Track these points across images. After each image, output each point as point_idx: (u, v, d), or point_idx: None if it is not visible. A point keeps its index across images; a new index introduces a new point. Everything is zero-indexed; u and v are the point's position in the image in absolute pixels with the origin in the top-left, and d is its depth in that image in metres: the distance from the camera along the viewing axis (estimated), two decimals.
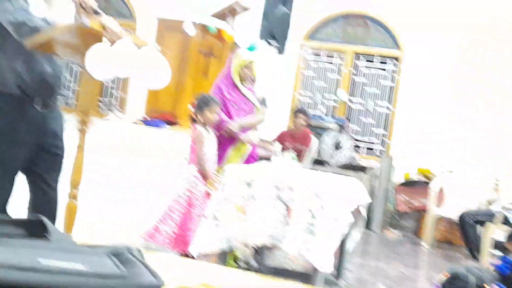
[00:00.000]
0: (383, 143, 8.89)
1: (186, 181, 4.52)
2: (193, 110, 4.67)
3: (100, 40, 2.50)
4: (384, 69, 8.92)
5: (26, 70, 2.70)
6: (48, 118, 2.83)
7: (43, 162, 2.86)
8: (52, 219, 2.76)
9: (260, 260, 4.61)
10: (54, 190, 2.91)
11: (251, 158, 5.07)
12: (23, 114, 2.75)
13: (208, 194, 4.53)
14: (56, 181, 2.89)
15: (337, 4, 8.95)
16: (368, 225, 7.73)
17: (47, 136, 2.81)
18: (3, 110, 2.74)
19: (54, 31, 2.49)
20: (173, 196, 4.54)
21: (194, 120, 4.71)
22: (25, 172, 2.89)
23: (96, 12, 2.76)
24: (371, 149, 8.92)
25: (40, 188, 2.91)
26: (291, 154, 4.59)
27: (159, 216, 4.50)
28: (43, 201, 2.90)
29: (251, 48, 6.93)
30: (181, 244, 4.36)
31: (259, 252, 4.62)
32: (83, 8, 2.74)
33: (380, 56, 8.92)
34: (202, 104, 4.62)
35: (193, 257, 3.82)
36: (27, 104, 2.75)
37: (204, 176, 4.54)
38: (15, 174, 2.85)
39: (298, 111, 7.10)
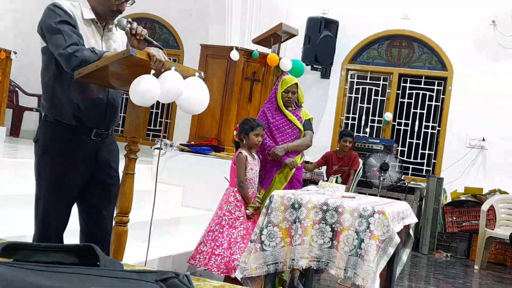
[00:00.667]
0: (429, 163, 8.77)
1: (228, 203, 4.56)
2: (237, 134, 4.71)
3: (147, 70, 2.56)
4: (430, 90, 8.83)
5: (81, 100, 2.77)
6: (102, 147, 2.87)
7: (95, 191, 2.88)
8: (105, 247, 2.78)
9: (306, 283, 4.59)
10: (106, 219, 2.90)
11: (296, 182, 5.07)
12: (78, 143, 2.80)
13: (249, 217, 4.55)
14: (108, 210, 2.89)
15: (381, 25, 8.94)
16: (416, 247, 7.61)
17: (100, 165, 2.84)
18: (60, 139, 2.80)
19: (101, 62, 2.56)
20: (215, 218, 4.58)
21: (238, 145, 4.75)
22: (78, 201, 2.93)
23: (147, 41, 2.84)
24: (418, 169, 8.81)
25: (91, 217, 2.95)
26: (337, 177, 4.57)
27: (201, 238, 4.54)
28: (94, 231, 2.93)
29: (295, 72, 6.97)
30: (223, 266, 4.39)
31: (305, 275, 4.60)
32: (135, 36, 2.82)
33: (426, 76, 8.85)
34: (247, 127, 4.66)
35: (238, 281, 3.83)
36: (82, 134, 2.80)
37: (245, 199, 4.57)
38: (72, 203, 2.90)
39: (344, 134, 7.07)
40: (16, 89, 9.80)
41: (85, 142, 2.81)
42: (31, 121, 10.14)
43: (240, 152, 4.65)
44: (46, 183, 2.81)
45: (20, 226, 4.00)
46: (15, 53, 8.00)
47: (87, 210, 2.94)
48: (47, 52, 2.74)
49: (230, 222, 4.49)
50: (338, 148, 7.24)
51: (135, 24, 2.82)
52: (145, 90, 2.53)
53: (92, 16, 2.79)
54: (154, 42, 2.83)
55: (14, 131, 9.59)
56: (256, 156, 4.78)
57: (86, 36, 2.76)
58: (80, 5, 2.80)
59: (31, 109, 9.90)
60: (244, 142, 4.66)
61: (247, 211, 4.55)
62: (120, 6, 2.79)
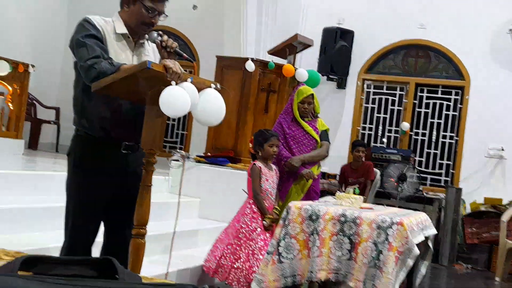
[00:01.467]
0: (448, 173, 8.70)
1: (244, 215, 4.54)
2: (252, 147, 4.71)
3: (164, 82, 2.57)
4: (447, 99, 8.77)
5: (109, 112, 2.80)
6: (130, 159, 2.88)
7: (123, 203, 2.88)
8: (126, 260, 2.78)
9: None
10: (128, 232, 2.91)
11: (314, 193, 5.06)
12: (108, 157, 2.83)
13: (266, 229, 4.52)
14: (131, 223, 2.90)
15: (397, 35, 8.91)
16: (436, 258, 7.54)
17: (129, 178, 2.85)
18: (89, 153, 2.84)
19: (117, 74, 2.58)
20: (233, 231, 4.56)
21: (255, 157, 4.75)
22: (105, 212, 2.94)
23: (178, 54, 2.85)
24: (436, 180, 8.74)
25: (116, 229, 2.97)
26: (354, 188, 4.55)
27: (220, 251, 4.53)
28: (118, 242, 2.94)
29: (311, 83, 6.96)
30: (243, 280, 4.37)
31: (323, 287, 4.57)
32: (165, 49, 2.84)
33: (443, 86, 8.80)
34: (261, 139, 4.66)
35: None
36: (112, 147, 2.83)
37: (261, 210, 4.55)
38: (100, 216, 2.92)
39: (357, 144, 7.04)
40: (34, 102, 9.88)
41: (114, 155, 2.83)
42: (49, 134, 10.22)
43: (254, 164, 4.64)
44: (75, 196, 2.85)
45: (41, 239, 4.03)
46: (33, 66, 8.08)
47: (112, 222, 2.97)
48: (77, 67, 2.78)
49: (247, 234, 4.47)
50: (353, 161, 7.21)
51: (165, 37, 2.85)
52: (176, 100, 2.54)
53: (125, 30, 2.84)
54: (184, 54, 2.88)
55: (32, 143, 9.66)
56: (273, 167, 4.77)
57: (116, 51, 2.80)
58: (113, 20, 2.85)
59: (49, 122, 9.98)
60: (260, 153, 4.66)
61: (264, 222, 4.53)
62: (153, 19, 2.83)
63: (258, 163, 4.62)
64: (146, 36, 2.89)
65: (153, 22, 2.84)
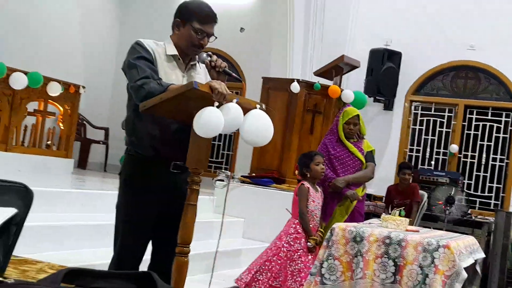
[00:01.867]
0: (498, 197, 8.49)
1: (288, 235, 4.52)
2: (298, 172, 4.70)
3: (210, 102, 2.61)
4: (497, 121, 8.60)
5: (158, 132, 2.86)
6: (179, 178, 2.91)
7: (170, 222, 2.90)
8: (169, 277, 2.81)
9: None
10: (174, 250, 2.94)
11: (358, 214, 5.01)
12: (157, 176, 2.88)
13: (309, 250, 4.49)
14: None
15: (445, 56, 8.80)
16: (484, 284, 7.33)
17: (178, 198, 2.86)
18: (139, 172, 2.90)
19: (165, 94, 2.63)
20: (273, 248, 4.54)
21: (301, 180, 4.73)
22: (153, 230, 2.99)
23: (227, 74, 2.91)
24: (486, 203, 8.54)
25: (162, 246, 3.00)
26: (400, 210, 4.48)
27: (257, 266, 4.51)
28: (163, 259, 2.96)
29: (357, 104, 6.94)
30: None
31: None
32: (214, 68, 2.89)
33: (493, 107, 8.63)
34: (307, 159, 4.65)
35: None
36: (161, 166, 2.88)
37: (306, 231, 4.52)
38: (149, 234, 2.97)
39: (403, 167, 6.94)
40: (84, 122, 10.12)
41: (163, 174, 2.89)
42: (97, 154, 10.43)
43: (303, 184, 4.63)
44: (124, 214, 2.92)
45: (89, 256, 4.10)
46: (84, 87, 8.29)
47: (158, 240, 3.01)
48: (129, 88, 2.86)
49: (288, 254, 4.45)
50: (398, 182, 7.13)
51: (214, 57, 2.92)
52: (208, 121, 2.57)
53: (175, 52, 2.91)
54: (233, 74, 2.94)
55: (82, 163, 9.87)
56: (319, 189, 4.75)
57: (166, 72, 2.88)
58: (165, 43, 2.94)
59: (98, 142, 10.20)
60: (308, 175, 4.64)
61: (308, 243, 4.50)
62: (202, 41, 2.90)
63: (306, 184, 4.62)
64: (197, 57, 2.94)
65: (202, 44, 2.90)
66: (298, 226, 4.53)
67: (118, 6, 11.31)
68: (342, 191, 4.89)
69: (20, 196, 1.33)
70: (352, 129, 5.04)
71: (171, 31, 2.98)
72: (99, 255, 4.02)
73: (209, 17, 2.90)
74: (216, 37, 2.95)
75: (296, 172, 4.81)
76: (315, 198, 4.62)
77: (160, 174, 2.89)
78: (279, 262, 4.46)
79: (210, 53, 2.94)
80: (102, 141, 10.28)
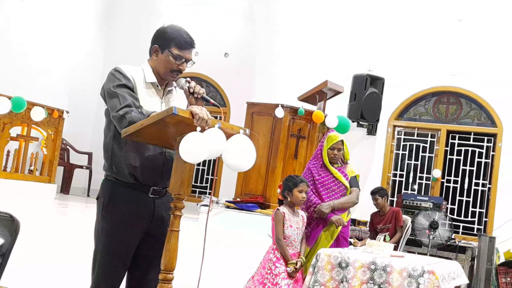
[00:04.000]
0: (480, 221, 8.53)
1: (268, 261, 4.48)
2: (281, 192, 4.66)
3: (191, 127, 2.60)
4: (479, 146, 8.68)
5: (138, 158, 2.84)
6: (160, 205, 2.90)
7: (149, 247, 2.90)
8: None
9: None
10: (153, 277, 2.90)
11: (343, 240, 5.00)
12: (136, 201, 2.86)
13: (291, 276, 4.44)
14: (155, 267, 2.90)
15: (427, 82, 8.90)
16: None
17: (157, 223, 2.87)
18: (118, 197, 2.87)
19: (146, 121, 2.63)
20: (259, 278, 4.49)
21: (282, 203, 4.69)
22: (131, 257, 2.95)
23: (205, 100, 2.90)
24: (469, 228, 8.58)
25: (140, 272, 2.96)
26: (385, 235, 4.49)
27: None
28: (142, 286, 2.95)
29: (341, 129, 6.97)
30: None
31: None
32: (192, 94, 2.89)
33: (475, 133, 8.72)
34: (291, 184, 4.61)
35: None
36: (140, 191, 2.87)
37: (284, 256, 4.46)
38: (128, 260, 2.92)
39: (371, 193, 6.88)
40: (68, 147, 10.06)
41: (142, 199, 2.87)
42: (81, 179, 10.36)
43: (278, 209, 4.58)
44: (103, 239, 2.87)
45: (72, 282, 4.05)
46: (68, 112, 8.25)
47: (137, 265, 2.96)
48: (108, 114, 2.85)
49: (271, 280, 4.40)
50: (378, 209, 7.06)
51: (193, 83, 2.91)
52: (194, 146, 2.56)
53: (154, 79, 2.92)
54: (211, 100, 2.92)
55: (65, 188, 9.79)
56: (300, 213, 4.71)
57: (145, 98, 2.87)
58: (143, 68, 2.94)
59: (81, 167, 10.13)
60: (288, 199, 4.60)
61: (288, 269, 4.45)
62: (181, 66, 2.90)
63: (282, 209, 4.56)
64: (174, 83, 2.95)
65: (180, 69, 2.91)
66: (276, 252, 4.49)
67: (102, 31, 11.33)
68: (327, 216, 4.88)
69: (6, 226, 1.31)
70: (336, 154, 5.05)
71: (148, 55, 2.98)
72: (82, 281, 3.97)
73: (187, 43, 2.91)
74: (194, 62, 2.96)
75: (278, 190, 4.76)
76: (293, 223, 4.55)
77: (139, 199, 2.86)
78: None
79: (188, 79, 2.93)
80: (86, 166, 10.22)
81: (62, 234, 4.91)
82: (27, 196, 7.15)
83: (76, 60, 10.55)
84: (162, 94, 2.98)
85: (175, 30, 2.92)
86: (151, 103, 2.89)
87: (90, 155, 10.36)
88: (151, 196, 2.88)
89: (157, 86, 2.94)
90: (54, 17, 9.98)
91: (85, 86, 10.54)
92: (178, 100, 3.01)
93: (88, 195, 9.97)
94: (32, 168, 7.95)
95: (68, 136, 9.71)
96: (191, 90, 2.88)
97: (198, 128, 2.60)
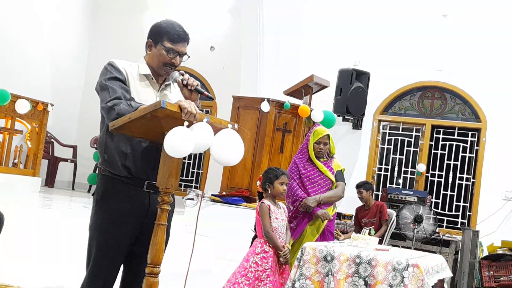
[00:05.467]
0: (464, 215, 8.61)
1: (255, 255, 4.47)
2: (261, 184, 4.64)
3: (180, 121, 2.60)
4: (463, 141, 8.75)
5: (130, 150, 2.84)
6: (152, 198, 2.89)
7: (143, 243, 2.87)
8: None
9: None
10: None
11: (329, 234, 5.02)
12: (130, 196, 2.86)
13: (279, 268, 4.44)
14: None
15: (412, 77, 8.95)
16: None
17: (151, 218, 2.83)
18: (112, 192, 2.87)
19: (133, 114, 2.62)
20: (241, 270, 4.48)
21: (262, 196, 4.67)
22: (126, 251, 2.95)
23: (199, 92, 2.91)
24: (453, 222, 8.66)
25: (134, 268, 2.95)
26: (370, 229, 4.52)
27: None
28: (134, 282, 2.93)
29: (326, 123, 6.99)
30: None
31: None
32: (186, 87, 2.90)
33: (459, 127, 8.78)
34: (272, 176, 4.60)
35: None
36: (135, 186, 2.86)
37: (275, 247, 4.45)
38: (122, 255, 2.91)
39: (357, 186, 6.92)
40: (52, 140, 10.00)
41: (137, 194, 2.87)
42: (65, 172, 10.31)
43: (263, 202, 4.57)
44: (97, 235, 2.86)
45: (60, 277, 4.03)
46: (52, 105, 8.20)
47: (131, 260, 2.96)
48: None
49: (256, 274, 4.39)
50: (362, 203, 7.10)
51: (186, 76, 2.92)
52: (178, 141, 2.56)
53: (148, 71, 2.93)
54: (205, 92, 2.93)
55: (49, 181, 9.74)
56: (281, 205, 4.70)
57: (138, 91, 2.88)
58: (138, 63, 2.96)
59: (66, 160, 10.08)
60: (269, 191, 4.58)
61: (281, 259, 4.45)
62: (174, 60, 2.91)
63: (267, 202, 4.55)
64: (170, 77, 2.95)
65: (173, 63, 2.92)
66: (265, 245, 4.47)
67: (87, 24, 11.26)
68: (313, 210, 4.90)
69: None
70: (322, 149, 5.07)
71: (144, 51, 2.99)
72: (69, 276, 3.95)
73: (180, 36, 2.92)
74: (189, 56, 2.97)
75: (258, 183, 4.73)
76: (278, 215, 4.56)
77: (133, 194, 2.86)
78: (247, 283, 4.40)
79: (182, 71, 2.94)
80: (71, 159, 10.17)
81: (46, 228, 4.88)
82: (11, 189, 7.10)
83: (61, 53, 10.48)
84: (159, 88, 2.98)
85: (168, 24, 2.94)
86: (145, 95, 2.90)
87: (75, 148, 10.31)
88: (145, 190, 2.87)
89: (152, 79, 2.95)
90: (39, 10, 9.90)
91: (70, 79, 10.48)
92: (175, 95, 3.00)
93: (73, 189, 9.92)
94: (16, 161, 7.89)
95: (52, 129, 9.65)
96: (185, 83, 2.89)
97: (186, 123, 2.60)
